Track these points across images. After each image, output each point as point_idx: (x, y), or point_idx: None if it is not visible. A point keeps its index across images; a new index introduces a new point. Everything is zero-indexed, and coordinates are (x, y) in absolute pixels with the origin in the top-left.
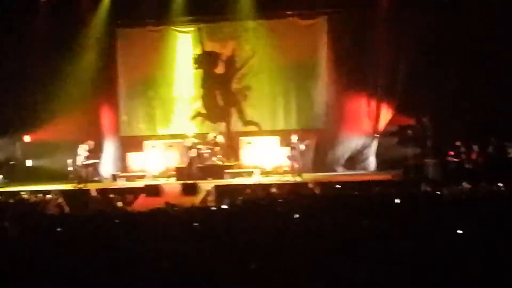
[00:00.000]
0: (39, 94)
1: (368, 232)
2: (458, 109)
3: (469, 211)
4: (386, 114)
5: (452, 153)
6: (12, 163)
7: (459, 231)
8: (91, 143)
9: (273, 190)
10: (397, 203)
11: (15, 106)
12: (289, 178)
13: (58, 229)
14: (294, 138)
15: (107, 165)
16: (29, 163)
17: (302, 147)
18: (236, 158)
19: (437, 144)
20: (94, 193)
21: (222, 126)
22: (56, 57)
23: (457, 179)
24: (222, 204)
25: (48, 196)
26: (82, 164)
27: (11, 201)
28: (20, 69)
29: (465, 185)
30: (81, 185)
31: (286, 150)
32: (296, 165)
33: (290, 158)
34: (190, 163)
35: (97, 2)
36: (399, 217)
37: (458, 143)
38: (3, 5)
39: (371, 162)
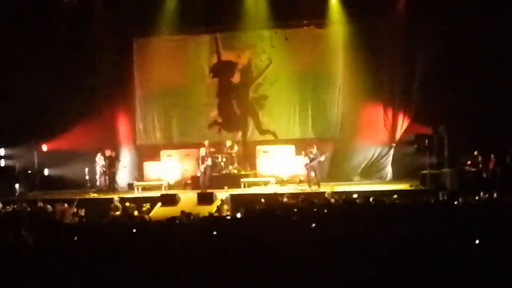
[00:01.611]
0: (57, 103)
1: (385, 241)
2: (475, 118)
3: (487, 220)
4: (402, 123)
5: (469, 162)
6: (30, 172)
7: (477, 241)
8: (109, 152)
9: (289, 199)
10: (415, 212)
11: (33, 115)
12: (305, 188)
13: (75, 238)
14: (314, 149)
15: (123, 174)
16: (46, 172)
17: (322, 158)
18: (252, 167)
19: (454, 153)
20: (117, 201)
21: (238, 135)
22: (73, 66)
23: (474, 188)
24: (237, 213)
25: (66, 205)
26: (100, 173)
27: (29, 210)
28: (37, 78)
29: (483, 194)
30: (99, 194)
31: (305, 160)
32: (313, 176)
33: (309, 168)
34: (206, 172)
35: (114, 11)
36: (417, 226)
37: (475, 153)
38: (22, 16)
39: (388, 171)
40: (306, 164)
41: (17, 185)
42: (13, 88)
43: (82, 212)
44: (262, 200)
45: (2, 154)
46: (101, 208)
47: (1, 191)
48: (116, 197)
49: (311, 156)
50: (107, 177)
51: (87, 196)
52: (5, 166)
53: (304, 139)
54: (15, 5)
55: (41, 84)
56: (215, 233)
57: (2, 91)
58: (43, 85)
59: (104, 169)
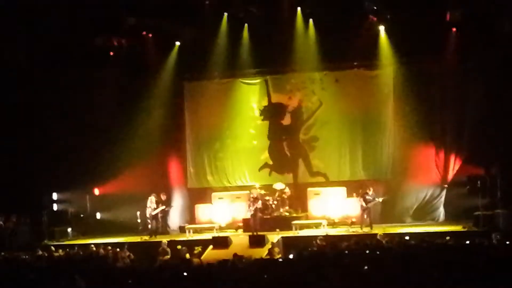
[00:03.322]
0: (109, 147)
1: (438, 284)
2: None
3: None
4: (454, 164)
5: None
6: (82, 216)
7: None
8: (162, 194)
9: (341, 241)
10: (468, 254)
11: (85, 160)
12: (357, 229)
13: (129, 281)
14: (370, 191)
15: (175, 217)
16: (98, 215)
17: (380, 199)
18: (304, 209)
19: (507, 194)
20: (165, 245)
21: (289, 177)
22: (125, 110)
23: None
24: (289, 256)
25: (118, 249)
26: (151, 216)
27: (81, 253)
28: (90, 123)
29: None
30: (150, 237)
31: (361, 202)
32: (367, 217)
33: (364, 209)
34: (256, 215)
35: (165, 56)
36: (471, 268)
37: None
38: (74, 62)
39: (440, 212)
40: (362, 206)
41: (69, 229)
42: (66, 134)
43: (134, 256)
44: (314, 242)
45: (55, 199)
46: (152, 252)
47: (54, 235)
48: (164, 240)
49: (368, 197)
50: (159, 220)
51: (139, 240)
52: (58, 210)
53: (355, 180)
54: (68, 53)
55: (93, 130)
56: (268, 276)
57: (56, 136)
58: (96, 131)
59: (155, 212)
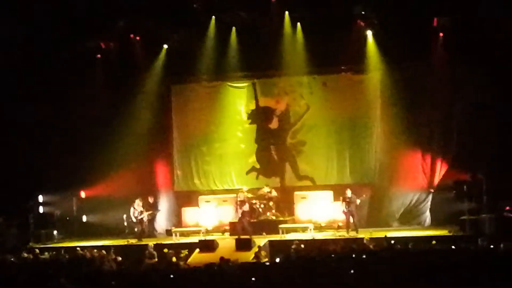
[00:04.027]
0: (96, 150)
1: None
2: None
3: None
4: (440, 169)
5: (508, 208)
6: (68, 218)
7: None
8: (149, 198)
9: (327, 245)
10: (453, 258)
11: (72, 162)
12: (343, 233)
13: (113, 283)
14: (348, 193)
15: (161, 220)
16: (85, 218)
17: (358, 201)
18: (291, 212)
19: (493, 199)
20: (151, 248)
21: (276, 180)
22: (112, 113)
23: None
24: (275, 259)
25: (104, 252)
26: (137, 219)
27: (67, 256)
28: (76, 126)
29: None
30: (136, 241)
31: (342, 205)
32: (351, 220)
33: (346, 213)
34: (244, 218)
35: (152, 59)
36: (456, 272)
37: None
38: (60, 66)
39: (426, 217)
40: (343, 211)
41: (55, 232)
42: (53, 136)
43: (120, 259)
44: (301, 246)
45: (41, 201)
46: (138, 255)
47: (40, 238)
48: (151, 244)
49: (347, 200)
50: (145, 223)
51: (125, 243)
52: (44, 212)
53: (341, 184)
54: (56, 54)
55: (80, 132)
56: (254, 279)
57: (42, 139)
58: (82, 134)
59: (142, 215)
